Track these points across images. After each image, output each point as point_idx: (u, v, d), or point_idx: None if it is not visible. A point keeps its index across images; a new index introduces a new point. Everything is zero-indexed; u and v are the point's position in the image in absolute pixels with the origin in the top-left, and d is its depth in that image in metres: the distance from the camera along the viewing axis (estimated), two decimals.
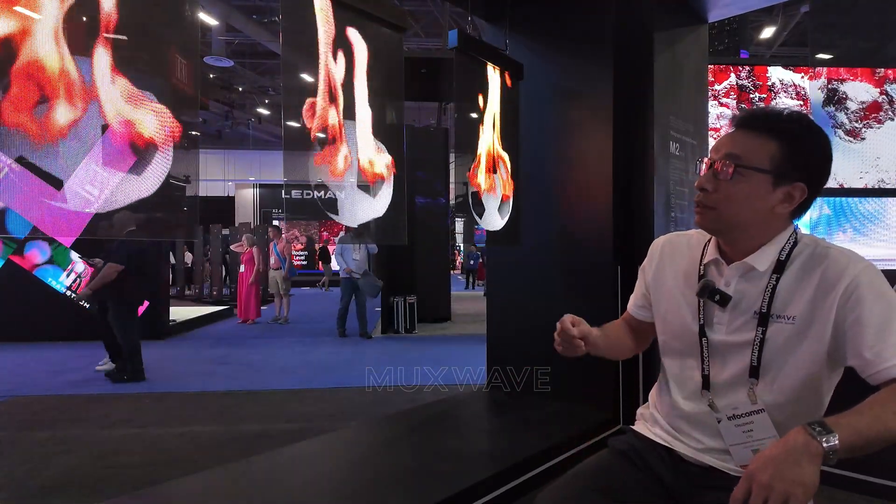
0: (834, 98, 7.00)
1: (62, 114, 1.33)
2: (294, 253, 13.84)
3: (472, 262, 16.08)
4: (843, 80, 7.02)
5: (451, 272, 10.59)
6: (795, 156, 0.96)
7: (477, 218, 2.68)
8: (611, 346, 1.21)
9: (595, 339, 1.12)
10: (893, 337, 0.87)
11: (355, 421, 3.52)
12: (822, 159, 0.99)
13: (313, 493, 1.93)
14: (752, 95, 6.83)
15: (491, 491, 2.02)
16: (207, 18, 10.38)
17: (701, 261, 1.10)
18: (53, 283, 6.87)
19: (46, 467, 2.80)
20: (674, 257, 1.17)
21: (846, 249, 0.97)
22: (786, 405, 0.99)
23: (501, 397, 3.11)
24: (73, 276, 6.93)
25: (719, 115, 6.43)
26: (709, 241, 1.11)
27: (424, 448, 2.38)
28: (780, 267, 0.99)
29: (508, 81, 2.89)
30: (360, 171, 2.10)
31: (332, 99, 1.97)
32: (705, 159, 1.03)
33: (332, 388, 4.49)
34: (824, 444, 0.75)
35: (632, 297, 1.28)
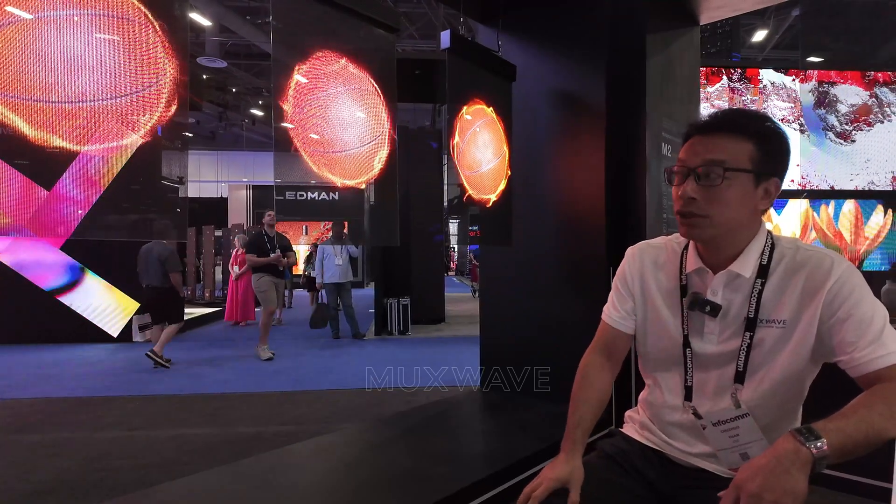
0: (825, 101, 7.06)
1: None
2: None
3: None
4: (833, 83, 7.08)
5: (447, 274, 10.57)
6: (768, 152, 0.98)
7: (470, 219, 2.68)
8: (602, 406, 1.15)
9: (587, 429, 1.09)
10: (872, 332, 0.89)
11: (350, 423, 3.50)
12: (787, 153, 1.02)
13: (307, 496, 1.92)
14: (744, 97, 6.87)
15: (485, 492, 2.02)
16: (201, 19, 10.32)
17: (681, 270, 1.08)
18: None
19: (36, 471, 2.78)
20: (654, 267, 1.13)
21: (828, 250, 0.99)
22: (769, 404, 1.00)
23: (497, 398, 3.10)
24: None
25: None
26: (685, 249, 1.09)
27: (419, 450, 2.37)
28: (763, 272, 1.00)
29: (501, 83, 2.89)
30: (352, 173, 2.09)
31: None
32: (675, 168, 1.01)
33: (325, 389, 4.47)
34: (813, 450, 0.75)
35: (609, 309, 1.19)
